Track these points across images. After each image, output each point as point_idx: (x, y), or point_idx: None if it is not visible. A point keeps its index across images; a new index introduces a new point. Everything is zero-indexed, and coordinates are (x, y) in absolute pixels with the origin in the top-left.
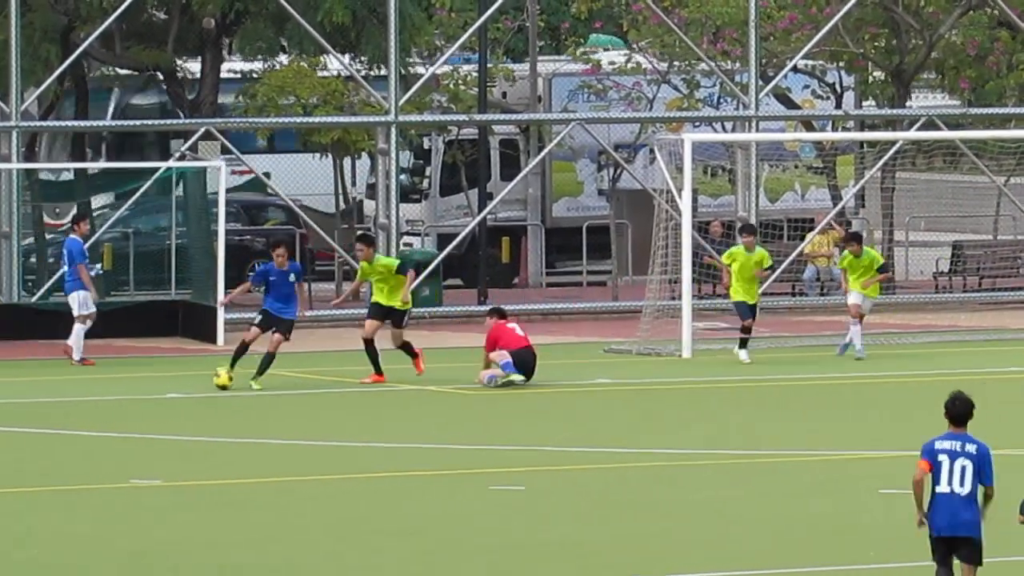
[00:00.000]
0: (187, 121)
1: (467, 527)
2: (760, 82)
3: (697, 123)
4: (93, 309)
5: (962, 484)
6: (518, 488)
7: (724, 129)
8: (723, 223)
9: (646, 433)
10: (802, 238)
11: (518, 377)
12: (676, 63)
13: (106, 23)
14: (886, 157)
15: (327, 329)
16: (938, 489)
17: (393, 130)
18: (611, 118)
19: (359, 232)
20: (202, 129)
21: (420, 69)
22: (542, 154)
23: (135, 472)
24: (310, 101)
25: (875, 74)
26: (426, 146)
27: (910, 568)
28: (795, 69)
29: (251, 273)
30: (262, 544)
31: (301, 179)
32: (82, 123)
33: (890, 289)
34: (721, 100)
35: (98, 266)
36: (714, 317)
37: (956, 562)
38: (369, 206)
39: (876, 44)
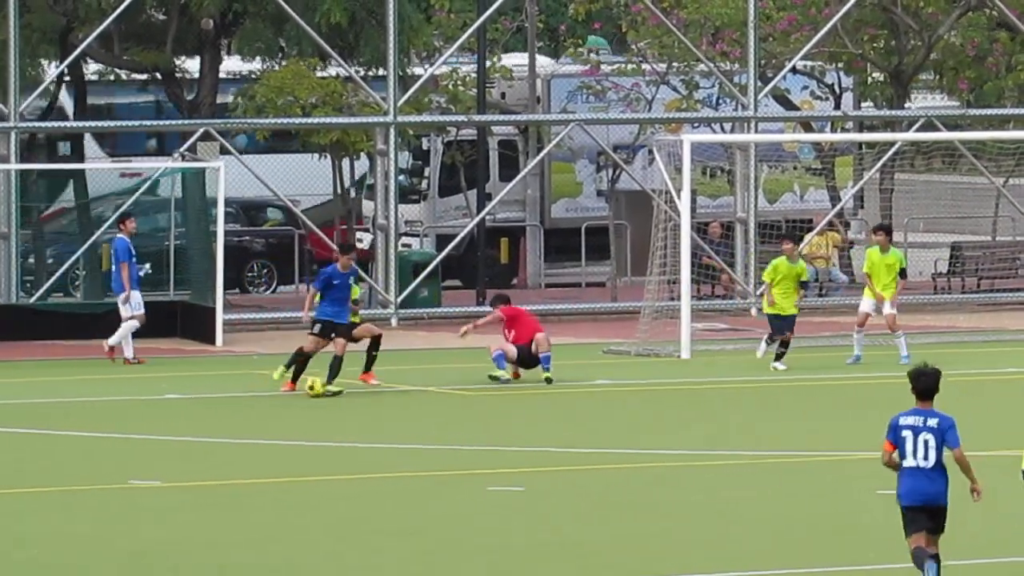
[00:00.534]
0: (186, 122)
1: (466, 527)
2: (759, 83)
3: (696, 124)
4: (141, 311)
5: (926, 458)
6: (517, 488)
7: (723, 130)
8: (722, 224)
9: (646, 434)
10: (801, 239)
11: (504, 375)
12: (675, 64)
13: (104, 23)
14: (885, 158)
15: None
16: (904, 463)
17: (392, 131)
18: (610, 119)
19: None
20: (201, 130)
21: (419, 70)
22: (541, 155)
23: (134, 472)
24: (309, 102)
25: (874, 75)
26: (425, 147)
27: (908, 569)
28: (794, 70)
29: (313, 279)
30: (262, 544)
31: (298, 180)
32: (81, 124)
33: None
34: (720, 101)
35: (146, 266)
36: (713, 318)
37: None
38: (368, 207)
39: (875, 45)
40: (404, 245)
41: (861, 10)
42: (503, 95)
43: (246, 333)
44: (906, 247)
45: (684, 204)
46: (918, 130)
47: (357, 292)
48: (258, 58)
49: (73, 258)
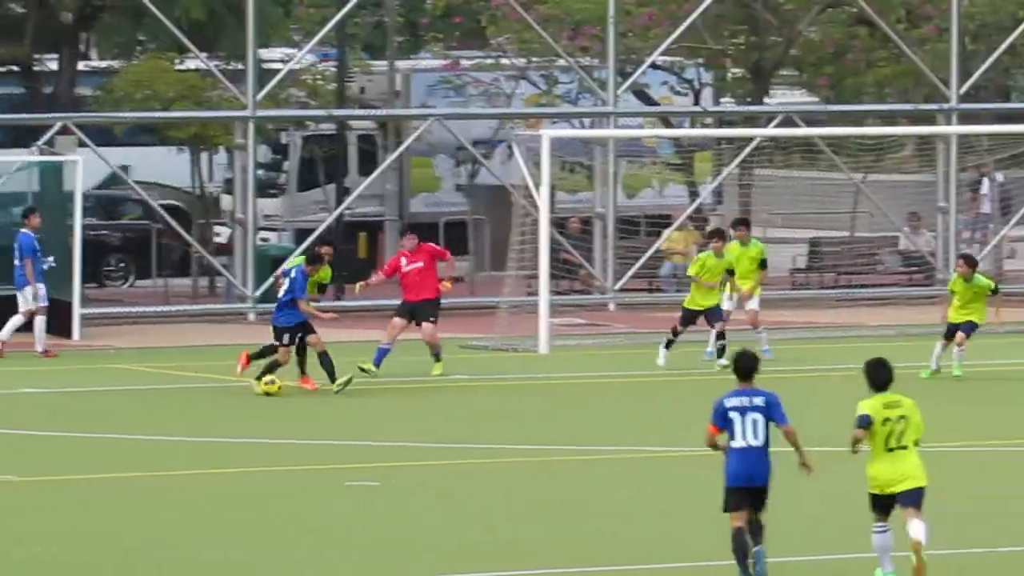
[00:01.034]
0: (44, 115)
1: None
2: (618, 78)
3: (555, 119)
4: (46, 303)
5: (756, 436)
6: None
7: (583, 125)
8: (581, 219)
9: (502, 429)
10: (660, 234)
11: (371, 368)
12: (535, 59)
13: None
14: (743, 154)
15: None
16: (734, 444)
17: (251, 125)
18: (469, 113)
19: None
20: (59, 124)
21: (278, 65)
22: (400, 150)
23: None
24: (168, 96)
25: (733, 71)
26: (284, 141)
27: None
28: (654, 65)
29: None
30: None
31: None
32: None
33: None
34: (580, 96)
35: (51, 259)
36: (571, 313)
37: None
38: (227, 201)
39: (735, 41)
40: (262, 239)
41: (721, 6)
42: (362, 89)
43: (104, 327)
44: (765, 243)
45: (543, 199)
46: (777, 126)
47: (328, 275)
48: (116, 52)
49: None
